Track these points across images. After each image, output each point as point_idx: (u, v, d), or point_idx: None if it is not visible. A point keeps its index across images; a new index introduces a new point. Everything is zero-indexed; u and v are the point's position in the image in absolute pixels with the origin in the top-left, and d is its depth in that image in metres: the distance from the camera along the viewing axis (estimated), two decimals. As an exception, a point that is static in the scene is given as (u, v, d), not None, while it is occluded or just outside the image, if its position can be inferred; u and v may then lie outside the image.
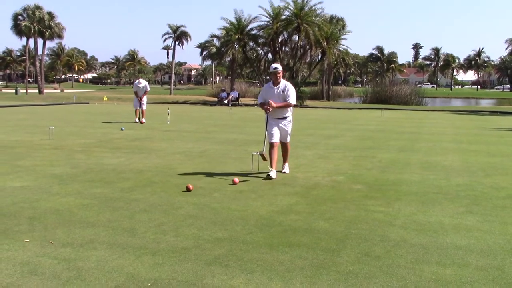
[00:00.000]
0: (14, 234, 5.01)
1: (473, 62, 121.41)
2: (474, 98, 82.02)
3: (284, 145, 8.82)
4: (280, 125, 8.60)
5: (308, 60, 49.12)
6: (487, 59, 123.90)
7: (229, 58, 50.82)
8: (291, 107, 8.67)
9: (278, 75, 8.43)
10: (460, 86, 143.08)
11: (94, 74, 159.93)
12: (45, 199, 6.54)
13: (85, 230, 5.19)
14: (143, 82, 19.94)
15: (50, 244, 4.71)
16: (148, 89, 20.09)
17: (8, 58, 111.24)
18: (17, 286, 3.74)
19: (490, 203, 6.64)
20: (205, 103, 41.97)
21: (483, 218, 5.90)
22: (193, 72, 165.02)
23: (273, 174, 8.22)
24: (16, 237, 4.90)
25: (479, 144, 13.73)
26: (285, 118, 8.62)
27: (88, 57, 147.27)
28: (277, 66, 8.52)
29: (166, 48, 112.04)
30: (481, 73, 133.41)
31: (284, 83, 8.55)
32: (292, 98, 8.51)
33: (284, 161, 8.91)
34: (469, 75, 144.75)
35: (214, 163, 9.80)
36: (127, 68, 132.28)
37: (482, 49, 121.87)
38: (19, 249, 4.56)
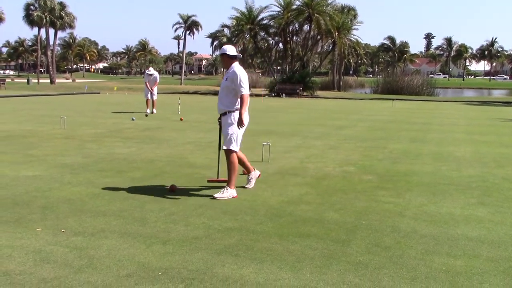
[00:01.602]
0: (26, 222, 5.06)
1: (486, 52, 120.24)
2: (487, 88, 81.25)
3: (225, 154, 6.51)
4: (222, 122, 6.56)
5: (319, 50, 49.03)
6: (500, 49, 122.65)
7: (239, 48, 50.77)
8: (236, 100, 6.30)
9: (223, 59, 6.47)
10: (472, 77, 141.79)
11: (105, 64, 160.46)
12: (57, 188, 6.60)
13: (97, 219, 5.23)
14: (152, 71, 19.91)
15: (62, 233, 4.75)
16: (158, 79, 20.00)
17: (21, 48, 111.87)
18: (30, 274, 3.78)
19: (502, 195, 6.60)
20: (215, 93, 41.93)
21: (495, 209, 5.86)
22: (204, 62, 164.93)
23: (249, 185, 6.78)
24: (29, 226, 4.95)
25: (491, 135, 13.62)
26: (225, 113, 6.38)
27: (99, 47, 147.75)
28: (224, 47, 6.46)
29: (177, 38, 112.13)
30: (494, 63, 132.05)
31: (232, 69, 6.35)
32: (245, 88, 6.25)
33: (228, 180, 6.40)
34: (482, 65, 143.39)
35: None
36: (138, 58, 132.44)
37: (495, 39, 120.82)
38: (31, 237, 4.61)
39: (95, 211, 5.54)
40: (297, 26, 44.61)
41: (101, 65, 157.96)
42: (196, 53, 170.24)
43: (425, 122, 17.60)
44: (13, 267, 3.91)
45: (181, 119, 16.66)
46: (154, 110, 19.29)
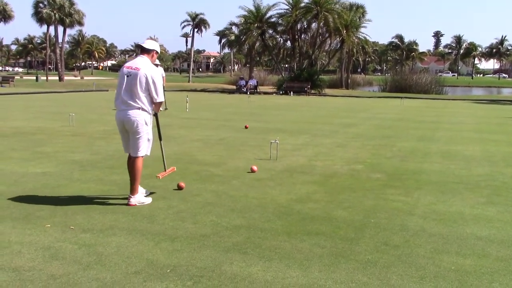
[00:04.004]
0: (35, 219, 5.09)
1: (494, 50, 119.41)
2: (496, 87, 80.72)
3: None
4: None
5: (327, 48, 48.88)
6: (510, 47, 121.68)
7: (247, 46, 50.72)
8: None
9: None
10: (481, 75, 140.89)
11: (114, 62, 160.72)
12: (66, 185, 6.63)
13: (105, 216, 5.24)
14: (158, 62, 19.23)
15: (70, 230, 4.77)
16: (164, 74, 19.18)
17: (30, 45, 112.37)
18: (39, 270, 3.80)
19: (511, 194, 6.55)
20: (223, 91, 41.99)
21: (504, 208, 5.83)
22: (212, 60, 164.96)
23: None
24: (38, 222, 4.97)
25: (500, 134, 13.54)
26: None
27: (107, 45, 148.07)
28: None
29: (185, 35, 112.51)
30: (504, 62, 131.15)
31: None
32: None
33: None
34: (491, 64, 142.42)
35: (233, 150, 9.81)
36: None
37: (505, 37, 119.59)
38: (40, 234, 4.63)
39: (104, 208, 5.55)
40: (305, 24, 44.48)
41: (109, 63, 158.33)
42: (204, 50, 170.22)
43: (433, 120, 17.52)
44: (23, 263, 3.93)
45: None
46: (161, 108, 18.90)
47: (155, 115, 6.10)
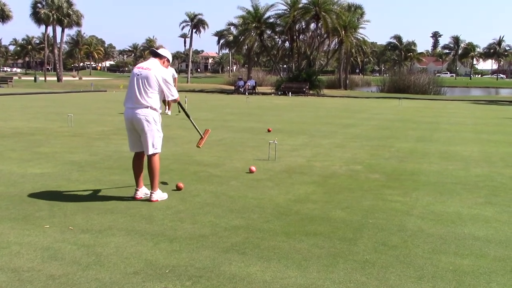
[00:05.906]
0: (34, 220, 5.09)
1: (492, 50, 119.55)
2: (494, 87, 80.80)
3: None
4: None
5: (325, 48, 48.91)
6: (508, 48, 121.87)
7: (246, 47, 50.76)
8: None
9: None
10: (479, 76, 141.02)
11: (112, 62, 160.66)
12: (65, 186, 6.63)
13: (104, 216, 5.25)
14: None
15: (69, 230, 4.77)
16: (175, 75, 17.44)
17: (29, 46, 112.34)
18: (38, 271, 3.80)
19: (509, 194, 6.57)
20: (222, 91, 41.98)
21: (502, 209, 5.84)
22: (210, 60, 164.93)
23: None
24: (37, 223, 4.97)
25: (499, 134, 13.56)
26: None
27: (106, 45, 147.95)
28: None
29: (184, 36, 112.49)
30: (502, 62, 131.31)
31: None
32: None
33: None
34: (489, 64, 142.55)
35: (231, 151, 9.82)
36: (144, 56, 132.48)
37: (503, 37, 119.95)
38: (39, 234, 4.63)
39: (103, 208, 5.56)
40: (303, 24, 44.54)
41: (107, 63, 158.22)
42: (202, 51, 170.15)
43: (432, 121, 17.55)
44: (22, 264, 3.93)
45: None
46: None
47: (179, 103, 6.63)
